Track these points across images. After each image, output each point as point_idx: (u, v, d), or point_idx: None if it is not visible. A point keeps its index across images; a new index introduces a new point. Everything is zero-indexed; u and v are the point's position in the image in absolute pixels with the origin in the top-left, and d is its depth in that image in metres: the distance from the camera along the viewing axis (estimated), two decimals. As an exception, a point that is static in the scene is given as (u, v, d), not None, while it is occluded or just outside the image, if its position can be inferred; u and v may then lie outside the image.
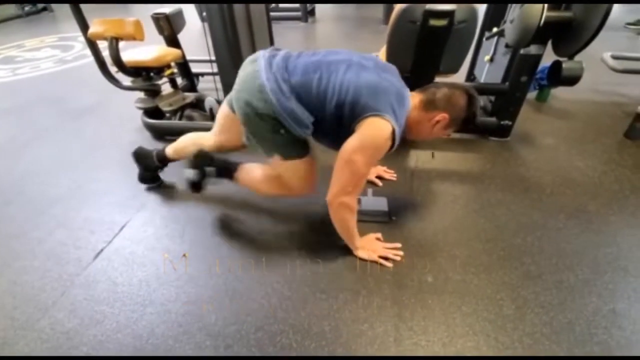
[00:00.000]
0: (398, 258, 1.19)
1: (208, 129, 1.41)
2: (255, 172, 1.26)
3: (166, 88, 2.05)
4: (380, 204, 1.42)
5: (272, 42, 2.10)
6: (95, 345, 0.97)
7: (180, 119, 2.05)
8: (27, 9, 5.59)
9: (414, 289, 1.10)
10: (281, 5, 5.02)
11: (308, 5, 4.90)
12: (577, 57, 1.48)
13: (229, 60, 1.72)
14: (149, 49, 1.90)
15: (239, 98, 1.05)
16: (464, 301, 1.06)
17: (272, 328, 1.00)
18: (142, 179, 1.58)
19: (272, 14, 2.28)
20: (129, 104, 2.10)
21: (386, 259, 1.18)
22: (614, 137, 1.90)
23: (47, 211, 1.48)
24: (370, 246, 1.21)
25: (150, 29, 1.91)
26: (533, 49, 1.58)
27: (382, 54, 1.67)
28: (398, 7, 1.46)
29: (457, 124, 1.09)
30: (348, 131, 1.01)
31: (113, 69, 1.82)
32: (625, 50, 2.58)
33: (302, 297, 1.08)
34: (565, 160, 1.72)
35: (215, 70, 1.92)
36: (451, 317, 1.01)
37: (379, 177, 1.59)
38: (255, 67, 1.03)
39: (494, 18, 2.06)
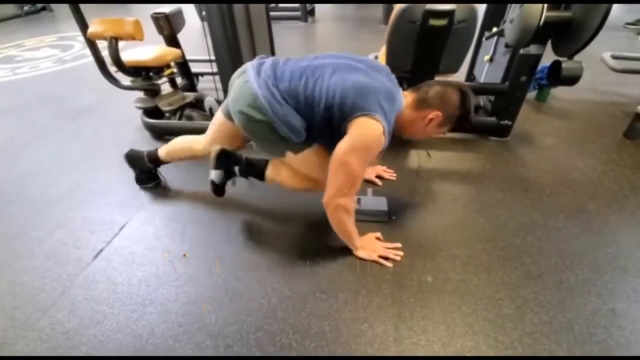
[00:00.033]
0: (398, 258, 1.19)
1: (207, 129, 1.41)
2: (282, 169, 1.25)
3: (166, 88, 2.05)
4: (380, 203, 1.42)
5: (271, 42, 2.10)
6: (95, 345, 0.97)
7: (179, 118, 2.05)
8: (26, 8, 5.59)
9: (413, 289, 1.10)
10: (281, 5, 5.02)
11: (308, 5, 4.90)
12: (577, 57, 1.49)
13: (228, 60, 1.72)
14: (148, 49, 1.90)
15: (234, 108, 1.09)
16: (463, 301, 1.06)
17: (272, 328, 1.00)
18: (139, 180, 1.58)
19: (271, 13, 2.28)
20: (128, 103, 2.10)
21: (386, 258, 1.18)
22: (613, 137, 1.90)
23: (47, 211, 1.48)
24: (370, 246, 1.21)
25: (149, 28, 1.91)
26: (533, 49, 1.58)
27: (382, 54, 1.67)
28: (398, 7, 1.47)
29: (451, 121, 1.08)
30: (337, 133, 1.02)
31: (112, 69, 1.82)
32: (625, 50, 2.58)
33: (301, 297, 1.08)
34: (565, 160, 1.72)
35: (215, 69, 1.92)
36: (451, 317, 1.01)
37: (379, 177, 1.59)
38: (245, 78, 1.06)
39: (494, 18, 2.06)
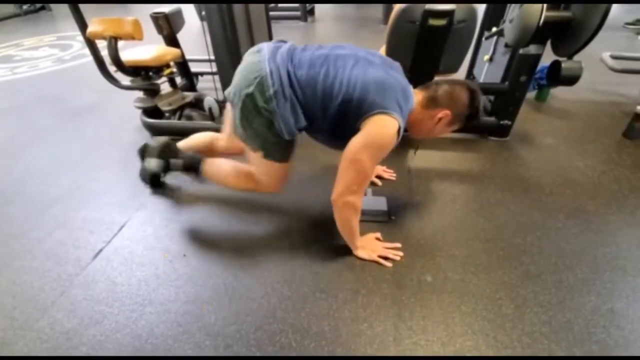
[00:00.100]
0: (397, 258, 1.19)
1: (207, 129, 1.41)
2: (224, 165, 1.25)
3: (165, 87, 2.04)
4: (380, 203, 1.42)
5: (271, 42, 2.10)
6: (94, 345, 0.97)
7: (179, 118, 2.04)
8: (25, 7, 5.58)
9: (413, 289, 1.10)
10: (280, 4, 5.02)
11: (307, 4, 4.90)
12: (576, 57, 1.49)
13: (228, 60, 1.71)
14: (148, 49, 1.89)
15: (239, 87, 1.02)
16: (463, 300, 1.06)
17: (272, 328, 1.00)
18: (143, 176, 1.46)
19: (271, 13, 2.28)
20: (128, 103, 2.10)
21: (386, 258, 1.18)
22: (612, 136, 1.90)
23: (46, 211, 1.48)
24: (369, 246, 1.21)
25: (149, 28, 1.91)
26: (532, 49, 1.58)
27: (381, 53, 1.67)
28: (397, 7, 1.46)
29: (460, 120, 1.07)
30: (349, 129, 0.99)
31: (112, 69, 1.82)
32: (624, 50, 2.58)
33: (301, 297, 1.09)
34: (565, 160, 1.72)
35: (215, 69, 1.92)
36: (450, 317, 1.02)
37: (379, 177, 1.59)
38: (258, 57, 1.01)
39: (494, 18, 2.06)
